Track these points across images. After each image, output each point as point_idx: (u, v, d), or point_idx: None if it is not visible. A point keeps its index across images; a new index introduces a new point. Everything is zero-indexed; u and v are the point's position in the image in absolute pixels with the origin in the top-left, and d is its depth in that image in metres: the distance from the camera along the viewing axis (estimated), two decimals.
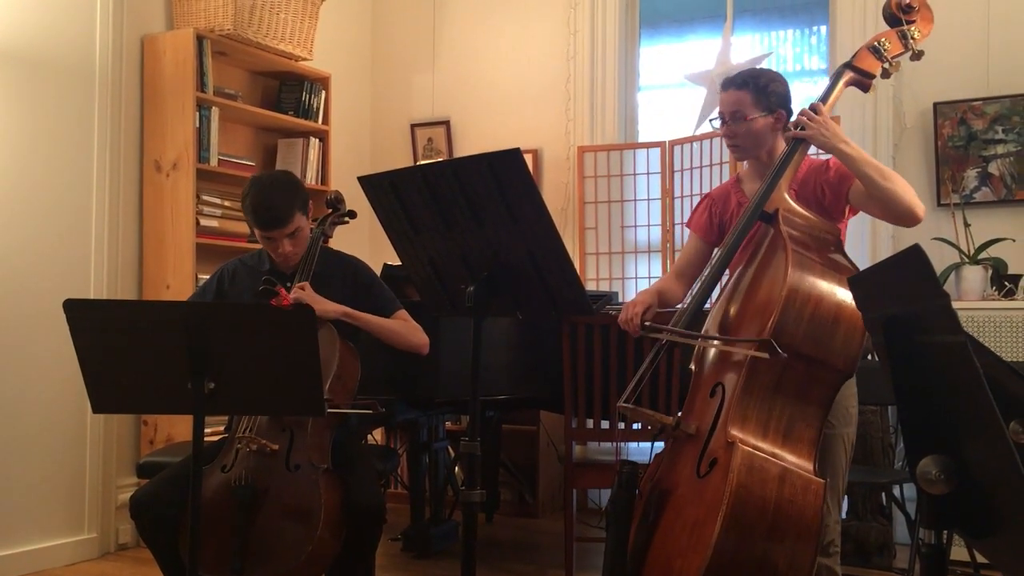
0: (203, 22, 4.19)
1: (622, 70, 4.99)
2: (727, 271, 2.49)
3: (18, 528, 3.63)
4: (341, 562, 2.51)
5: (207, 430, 2.10)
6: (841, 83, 2.53)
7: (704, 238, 2.73)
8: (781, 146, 2.56)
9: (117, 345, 2.04)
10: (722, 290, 2.47)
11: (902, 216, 2.40)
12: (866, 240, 4.25)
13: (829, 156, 2.50)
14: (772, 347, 2.00)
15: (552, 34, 5.10)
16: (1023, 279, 3.89)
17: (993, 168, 4.13)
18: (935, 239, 4.00)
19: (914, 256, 1.22)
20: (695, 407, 2.30)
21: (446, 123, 5.35)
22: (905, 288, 1.31)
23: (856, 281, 1.56)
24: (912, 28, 2.51)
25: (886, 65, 2.52)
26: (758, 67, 2.69)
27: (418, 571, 3.76)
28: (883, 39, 2.52)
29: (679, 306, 2.80)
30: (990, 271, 3.89)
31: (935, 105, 4.22)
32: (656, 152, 4.72)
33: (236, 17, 4.19)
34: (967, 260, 3.89)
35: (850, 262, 2.28)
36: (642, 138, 5.01)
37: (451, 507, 4.29)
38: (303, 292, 2.71)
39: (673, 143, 4.66)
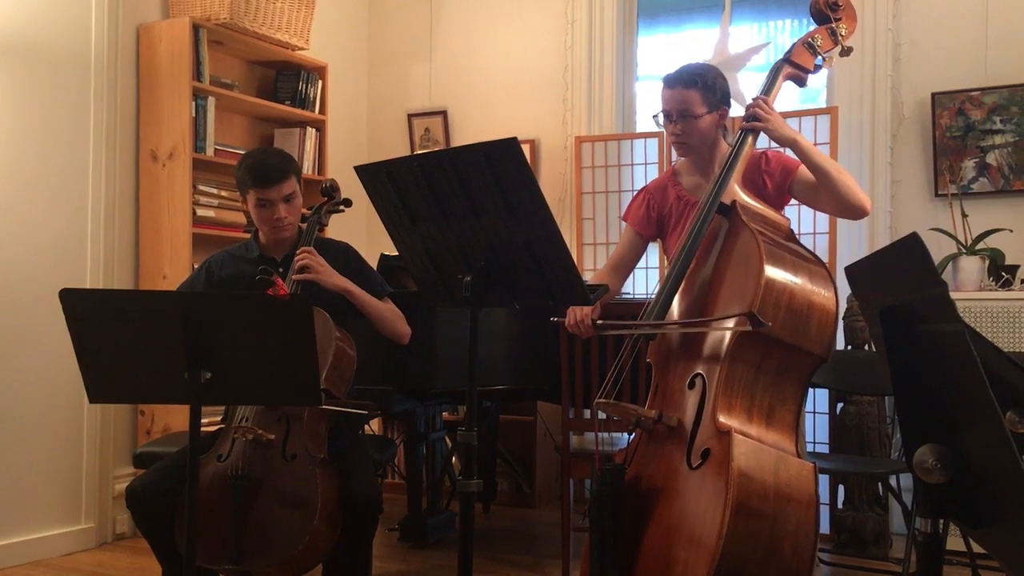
0: (199, 11, 4.17)
1: (620, 60, 4.98)
2: (650, 260, 2.52)
3: (14, 518, 3.63)
4: (338, 552, 2.51)
5: (204, 420, 2.10)
6: (780, 77, 2.60)
7: (641, 231, 2.76)
8: (721, 141, 2.60)
9: (113, 335, 2.03)
10: (666, 283, 2.46)
11: (854, 208, 2.45)
12: (863, 231, 4.25)
13: (766, 148, 2.53)
14: (755, 318, 2.01)
15: (550, 24, 5.08)
16: (1020, 270, 3.89)
17: (991, 158, 4.13)
18: (932, 229, 4.00)
19: (912, 244, 1.22)
20: (671, 399, 2.30)
21: (443, 113, 5.33)
22: (903, 277, 1.31)
23: (854, 269, 1.56)
24: (840, 25, 2.61)
25: (818, 60, 2.62)
26: (701, 63, 2.73)
27: (415, 561, 3.77)
28: (816, 35, 2.62)
29: (617, 297, 2.81)
30: (987, 262, 3.89)
31: (933, 95, 4.21)
32: (654, 142, 4.71)
33: (232, 6, 4.17)
34: (964, 251, 3.90)
35: (807, 250, 2.32)
36: (640, 128, 5.00)
37: (448, 497, 4.29)
38: (312, 258, 2.71)
39: None
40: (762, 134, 2.52)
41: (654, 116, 2.65)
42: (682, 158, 2.73)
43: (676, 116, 2.56)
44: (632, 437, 2.39)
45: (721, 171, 2.44)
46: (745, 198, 2.40)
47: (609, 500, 2.16)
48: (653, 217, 2.72)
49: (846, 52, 2.62)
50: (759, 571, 1.95)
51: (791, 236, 2.37)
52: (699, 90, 2.55)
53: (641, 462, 2.30)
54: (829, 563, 3.75)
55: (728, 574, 1.92)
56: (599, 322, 2.48)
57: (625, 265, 2.80)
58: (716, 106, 2.57)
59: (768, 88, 2.56)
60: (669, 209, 2.69)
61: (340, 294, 2.76)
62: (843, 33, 2.60)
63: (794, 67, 2.60)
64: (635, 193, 2.86)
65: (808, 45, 2.60)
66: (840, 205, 2.46)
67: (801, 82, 2.64)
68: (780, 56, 2.64)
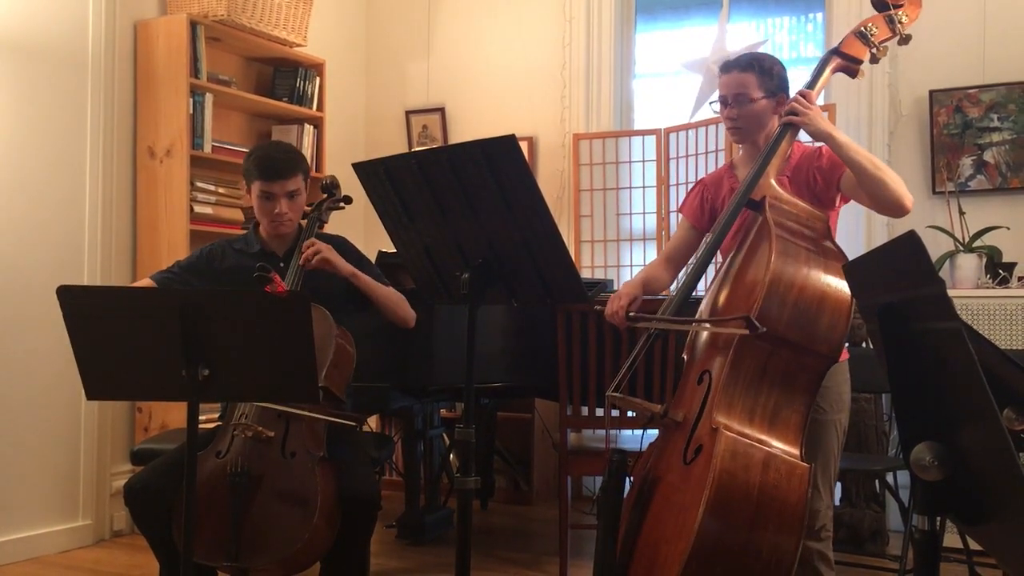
0: (196, 8, 4.16)
1: (618, 57, 4.98)
2: (718, 257, 2.49)
3: (12, 515, 3.62)
4: (336, 549, 2.51)
5: (201, 417, 2.09)
6: (828, 69, 2.53)
7: (695, 224, 2.73)
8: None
9: (111, 331, 2.03)
10: (715, 277, 2.48)
11: (891, 206, 2.41)
12: (861, 229, 4.26)
13: (821, 143, 2.50)
14: (751, 322, 2.00)
15: (548, 21, 5.08)
16: (1017, 267, 3.89)
17: (988, 156, 4.13)
18: (930, 227, 4.00)
19: (910, 242, 1.22)
20: (684, 395, 2.31)
21: (441, 110, 5.33)
22: (900, 274, 1.31)
23: (851, 268, 1.56)
24: (900, 12, 2.50)
25: (873, 50, 2.52)
26: (758, 51, 2.70)
27: (413, 558, 3.77)
28: (870, 24, 2.52)
29: (664, 294, 2.81)
30: (984, 259, 3.89)
31: (931, 93, 4.21)
32: (651, 140, 4.71)
33: (230, 2, 4.16)
34: (962, 248, 3.90)
35: (838, 249, 2.28)
36: (637, 126, 5.00)
37: (446, 494, 4.30)
38: (319, 243, 2.73)
39: (668, 131, 4.65)
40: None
41: (710, 103, 2.63)
42: (739, 150, 2.69)
43: (732, 100, 2.52)
44: (644, 432, 2.39)
45: (756, 165, 2.42)
46: (779, 192, 2.36)
47: (612, 491, 2.16)
48: (707, 209, 2.70)
49: (904, 41, 2.52)
50: (731, 569, 1.94)
51: (824, 233, 2.31)
52: (755, 74, 2.51)
53: (654, 456, 2.31)
54: None
55: (699, 570, 1.91)
56: (631, 314, 2.46)
57: (679, 257, 2.76)
58: (773, 92, 2.52)
59: (812, 82, 2.51)
60: (722, 202, 2.65)
61: (344, 282, 2.78)
62: (903, 21, 2.49)
63: (845, 59, 2.52)
64: (692, 186, 2.83)
65: (861, 35, 2.51)
66: (877, 201, 2.41)
67: (852, 73, 2.56)
68: (830, 48, 2.56)
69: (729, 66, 2.56)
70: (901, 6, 2.50)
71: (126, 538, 3.97)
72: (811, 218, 2.33)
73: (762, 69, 2.53)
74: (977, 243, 3.90)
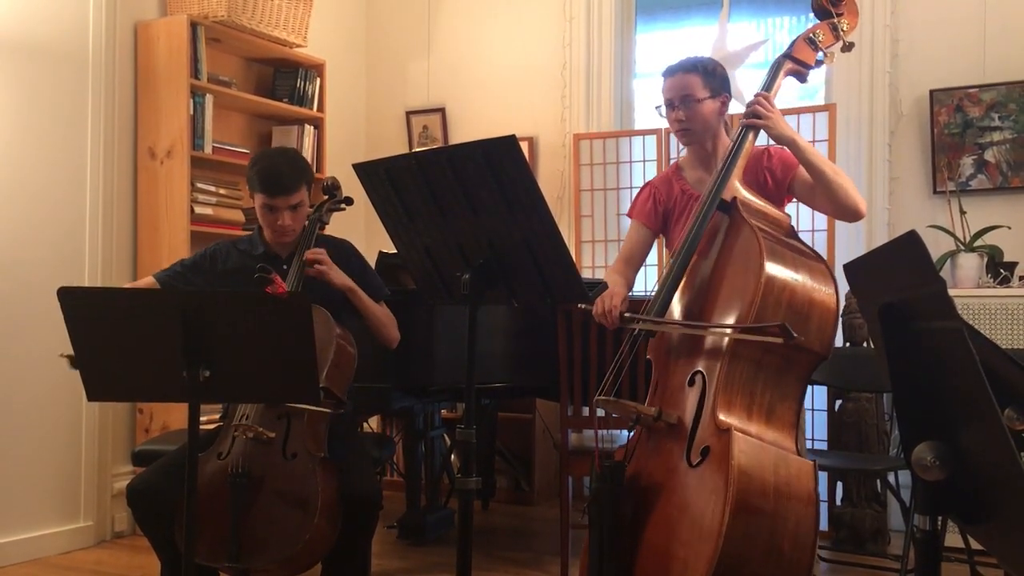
0: (197, 8, 4.16)
1: (618, 57, 4.98)
2: (657, 259, 2.51)
3: (14, 516, 3.62)
4: (337, 550, 2.51)
5: (202, 418, 2.09)
6: (781, 73, 2.61)
7: (648, 226, 2.75)
8: (723, 134, 2.60)
9: (112, 333, 2.03)
10: (666, 279, 2.44)
11: (849, 210, 2.46)
12: (861, 228, 4.25)
13: (768, 144, 2.53)
14: (787, 330, 2.00)
15: (548, 21, 5.08)
16: (1018, 267, 3.89)
17: (989, 155, 4.13)
18: (930, 227, 4.00)
19: (910, 242, 1.22)
20: (671, 396, 2.30)
21: (441, 110, 5.33)
22: (901, 274, 1.31)
23: (852, 267, 1.56)
24: (841, 20, 2.62)
25: (820, 55, 2.62)
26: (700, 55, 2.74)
27: (414, 558, 3.77)
28: (817, 31, 2.63)
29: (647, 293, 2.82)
30: (985, 259, 3.89)
31: (931, 92, 4.21)
32: (652, 139, 4.71)
33: (230, 4, 4.17)
34: (963, 248, 3.90)
35: (807, 247, 2.33)
36: (638, 125, 4.99)
37: (447, 495, 4.29)
38: (323, 255, 2.73)
39: (669, 130, 4.64)
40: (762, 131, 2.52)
41: (656, 107, 2.64)
42: (684, 150, 2.72)
43: (678, 102, 2.56)
44: (631, 434, 2.39)
45: (722, 167, 2.43)
46: (746, 194, 2.40)
47: (608, 497, 2.16)
48: (659, 211, 2.72)
49: (848, 47, 2.63)
50: (759, 569, 1.95)
51: (791, 233, 2.37)
52: (700, 74, 2.55)
53: (641, 459, 2.30)
54: (827, 560, 3.76)
55: (727, 572, 1.92)
56: (626, 315, 2.47)
57: (636, 260, 2.78)
58: (718, 92, 2.57)
59: (769, 84, 2.56)
60: (673, 203, 2.68)
61: (342, 292, 2.77)
62: (844, 28, 2.60)
63: (795, 63, 2.60)
64: (639, 189, 2.85)
65: (809, 40, 2.60)
66: (835, 206, 2.47)
67: (802, 77, 2.64)
68: (781, 52, 2.64)
69: (672, 69, 2.61)
70: (842, 14, 2.62)
71: (127, 539, 3.97)
72: (778, 219, 2.39)
73: (706, 70, 2.57)
74: (978, 242, 3.90)
